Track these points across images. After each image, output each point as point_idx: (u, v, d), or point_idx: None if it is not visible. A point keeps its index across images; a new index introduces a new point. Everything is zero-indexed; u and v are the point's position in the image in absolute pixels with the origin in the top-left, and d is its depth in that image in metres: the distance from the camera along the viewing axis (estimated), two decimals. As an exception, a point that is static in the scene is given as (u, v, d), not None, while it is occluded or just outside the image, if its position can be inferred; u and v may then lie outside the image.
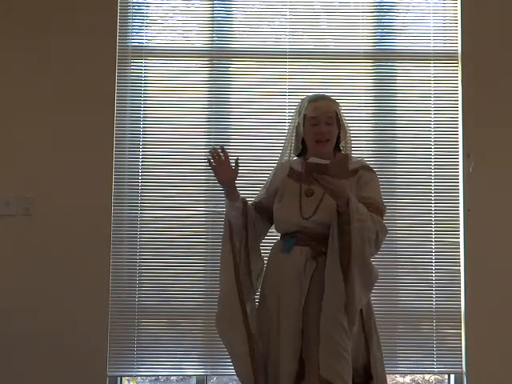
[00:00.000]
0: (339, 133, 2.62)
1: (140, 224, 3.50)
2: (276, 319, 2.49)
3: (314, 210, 2.50)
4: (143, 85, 3.58)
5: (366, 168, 2.61)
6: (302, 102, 2.65)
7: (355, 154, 2.74)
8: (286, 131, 2.76)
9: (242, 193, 3.45)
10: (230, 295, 2.55)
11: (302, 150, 2.68)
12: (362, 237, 2.35)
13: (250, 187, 3.48)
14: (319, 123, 2.54)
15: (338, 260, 2.36)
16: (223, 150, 2.57)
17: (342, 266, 2.35)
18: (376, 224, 2.41)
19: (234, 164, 2.59)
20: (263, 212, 2.66)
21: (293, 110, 3.43)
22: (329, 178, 2.28)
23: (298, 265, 2.47)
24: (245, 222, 2.59)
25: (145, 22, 3.63)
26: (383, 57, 3.62)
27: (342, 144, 2.67)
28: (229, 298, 2.55)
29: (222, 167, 2.58)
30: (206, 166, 3.46)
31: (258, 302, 2.63)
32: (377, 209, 2.49)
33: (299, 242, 2.50)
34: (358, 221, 2.35)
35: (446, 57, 3.60)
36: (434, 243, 3.50)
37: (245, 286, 2.56)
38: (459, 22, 3.58)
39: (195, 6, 3.66)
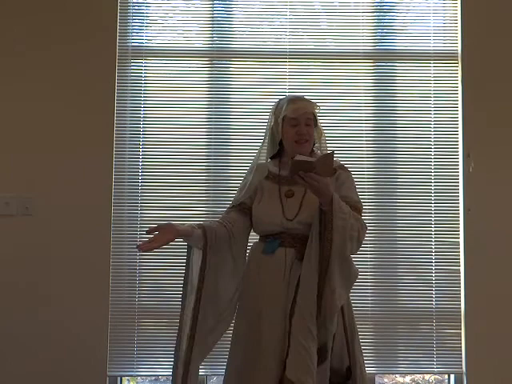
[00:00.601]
0: None
1: (140, 224, 3.50)
2: (258, 320, 2.45)
3: (297, 210, 2.50)
4: (143, 85, 3.58)
5: (343, 167, 2.61)
6: (278, 102, 2.64)
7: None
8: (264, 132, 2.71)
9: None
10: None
11: (278, 151, 2.66)
12: (343, 234, 2.35)
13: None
14: (299, 124, 2.52)
15: (315, 258, 2.35)
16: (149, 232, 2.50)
17: (320, 264, 2.34)
18: (358, 221, 2.42)
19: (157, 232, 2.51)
20: (247, 213, 2.62)
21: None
22: (314, 175, 2.28)
23: (283, 266, 2.46)
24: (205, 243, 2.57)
25: (145, 22, 3.63)
26: (383, 57, 3.62)
27: (316, 145, 2.66)
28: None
29: (162, 235, 2.49)
30: (206, 165, 3.53)
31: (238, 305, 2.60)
32: (356, 207, 2.49)
33: (283, 243, 2.49)
34: (341, 219, 2.35)
35: (445, 57, 3.60)
36: (433, 243, 3.50)
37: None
38: (459, 22, 3.58)
39: (195, 6, 3.66)
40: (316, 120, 2.59)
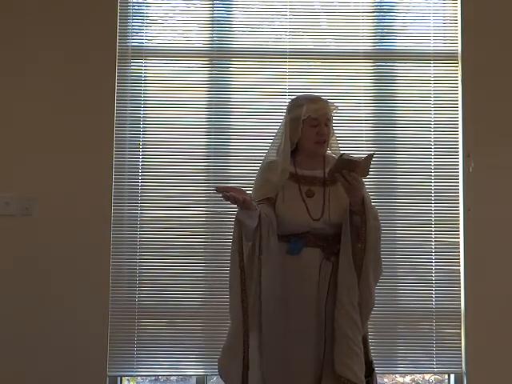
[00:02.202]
0: None
1: (140, 224, 3.50)
2: (288, 321, 2.44)
3: (321, 210, 2.50)
4: (143, 85, 3.58)
5: None
6: (295, 101, 2.61)
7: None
8: (277, 129, 2.68)
9: (242, 193, 3.48)
10: (235, 328, 2.44)
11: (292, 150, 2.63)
12: (376, 235, 2.45)
13: (251, 187, 3.48)
14: (319, 124, 2.53)
15: (351, 258, 2.41)
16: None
17: (355, 264, 2.41)
18: (380, 222, 2.53)
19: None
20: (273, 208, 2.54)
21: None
22: (356, 175, 2.37)
23: (312, 267, 2.45)
24: (259, 227, 2.43)
25: (145, 22, 3.63)
26: (383, 57, 3.62)
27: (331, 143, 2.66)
28: (234, 327, 2.45)
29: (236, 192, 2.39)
30: (206, 165, 3.53)
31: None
32: None
33: (308, 244, 2.48)
34: (374, 219, 2.44)
35: (445, 57, 3.61)
36: (433, 243, 3.50)
37: (252, 311, 2.42)
38: (459, 22, 3.58)
39: (195, 6, 3.66)
40: (331, 120, 2.60)
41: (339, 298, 2.40)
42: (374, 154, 2.46)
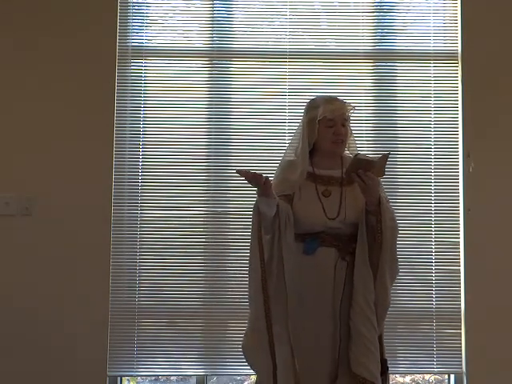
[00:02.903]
0: None
1: (140, 224, 3.50)
2: (304, 321, 2.44)
3: (337, 210, 2.50)
4: (143, 85, 3.58)
5: None
6: (311, 102, 2.62)
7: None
8: (295, 130, 2.69)
9: (243, 193, 3.49)
10: (256, 301, 2.45)
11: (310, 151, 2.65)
12: (392, 235, 2.46)
13: (251, 187, 3.47)
14: (335, 124, 2.53)
15: (367, 258, 2.42)
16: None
17: (371, 263, 2.42)
18: (396, 222, 2.54)
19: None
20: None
21: (293, 110, 3.49)
22: (372, 174, 2.39)
23: (327, 267, 2.46)
24: (277, 216, 2.46)
25: (145, 22, 3.63)
26: (383, 57, 3.62)
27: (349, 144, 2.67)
28: (255, 305, 2.46)
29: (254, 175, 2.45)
30: (206, 165, 3.53)
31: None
32: None
33: (323, 243, 2.48)
34: (390, 219, 2.45)
35: (446, 57, 3.60)
36: (433, 243, 3.50)
37: (274, 289, 2.42)
38: (459, 22, 3.58)
39: (195, 6, 3.66)
40: (349, 120, 2.61)
41: (355, 297, 2.41)
42: (389, 153, 2.47)
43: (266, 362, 2.41)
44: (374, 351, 2.40)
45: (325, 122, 2.54)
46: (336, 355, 2.43)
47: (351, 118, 2.61)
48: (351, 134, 2.64)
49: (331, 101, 2.57)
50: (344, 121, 2.55)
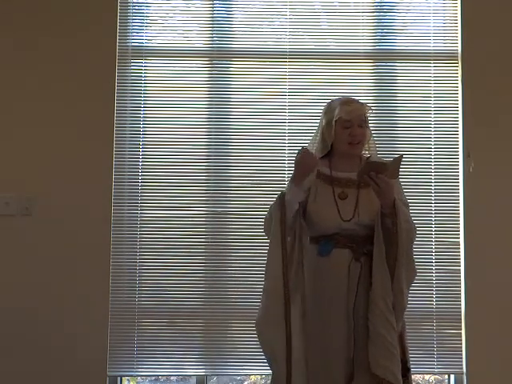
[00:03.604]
0: None
1: (140, 224, 3.50)
2: (321, 325, 2.45)
3: (353, 212, 2.50)
4: (143, 85, 3.58)
5: None
6: (329, 104, 2.62)
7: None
8: (314, 131, 2.68)
9: (243, 193, 3.49)
10: (275, 290, 2.43)
11: (328, 153, 2.64)
12: (408, 237, 2.45)
13: (250, 187, 3.49)
14: (352, 125, 2.52)
15: (384, 260, 2.41)
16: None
17: (388, 266, 2.41)
18: (414, 224, 2.53)
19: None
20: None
21: (293, 110, 3.49)
22: (385, 177, 2.38)
23: (342, 268, 2.46)
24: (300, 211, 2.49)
25: (145, 22, 3.63)
26: (383, 57, 3.62)
27: (365, 146, 2.66)
28: (273, 293, 2.44)
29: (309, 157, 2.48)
30: (206, 165, 3.53)
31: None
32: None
33: (337, 245, 2.48)
34: (405, 222, 2.44)
35: (446, 57, 3.60)
36: (433, 243, 3.50)
37: (294, 280, 2.43)
38: (459, 22, 3.58)
39: (195, 6, 3.66)
40: (368, 122, 2.60)
41: (374, 299, 2.41)
42: (402, 155, 2.44)
43: (280, 334, 2.38)
44: (395, 353, 2.40)
45: (341, 122, 2.53)
46: (351, 355, 2.42)
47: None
48: (371, 135, 2.63)
49: (348, 102, 2.57)
50: (361, 122, 2.54)
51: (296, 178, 2.47)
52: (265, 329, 2.43)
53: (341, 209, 2.50)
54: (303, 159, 2.45)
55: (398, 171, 2.45)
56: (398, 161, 2.43)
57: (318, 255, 2.50)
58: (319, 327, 2.45)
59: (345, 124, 2.52)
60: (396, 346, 2.41)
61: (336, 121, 2.53)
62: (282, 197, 2.47)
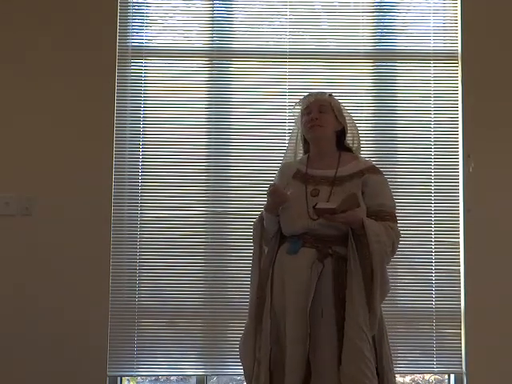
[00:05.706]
0: (343, 128, 2.67)
1: (140, 224, 3.50)
2: (283, 321, 2.48)
3: None
4: (143, 85, 3.58)
5: (372, 170, 2.61)
6: (298, 105, 2.75)
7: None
8: (290, 133, 2.78)
9: (243, 192, 3.49)
10: (249, 313, 2.58)
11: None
12: (381, 256, 2.43)
13: (251, 187, 3.49)
14: (311, 112, 2.61)
15: (360, 276, 2.40)
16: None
17: (364, 283, 2.41)
18: (391, 236, 2.48)
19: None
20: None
21: (293, 110, 3.49)
22: (339, 216, 2.37)
23: (304, 267, 2.45)
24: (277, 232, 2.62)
25: (145, 22, 3.63)
26: (383, 57, 3.62)
27: (349, 140, 2.70)
28: (249, 316, 2.59)
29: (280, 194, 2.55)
30: (206, 165, 3.53)
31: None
32: (391, 215, 2.55)
33: (306, 244, 2.49)
34: (377, 242, 2.42)
35: (446, 57, 3.60)
36: (433, 243, 3.50)
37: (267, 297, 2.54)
38: (459, 22, 3.58)
39: (195, 6, 3.66)
40: (338, 113, 2.64)
41: (348, 312, 2.39)
42: (355, 194, 2.43)
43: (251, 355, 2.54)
44: (369, 365, 2.37)
45: (303, 115, 2.65)
46: (306, 357, 2.38)
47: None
48: (353, 129, 2.69)
49: (308, 95, 2.70)
50: (322, 107, 2.62)
51: (268, 209, 2.59)
52: (242, 348, 2.61)
53: (310, 207, 2.48)
54: (272, 197, 2.53)
55: (355, 204, 2.41)
56: (348, 200, 2.40)
57: (287, 253, 2.53)
58: (282, 326, 2.48)
59: (306, 111, 2.64)
60: (370, 358, 2.38)
61: (302, 114, 2.66)
62: (261, 219, 2.64)
